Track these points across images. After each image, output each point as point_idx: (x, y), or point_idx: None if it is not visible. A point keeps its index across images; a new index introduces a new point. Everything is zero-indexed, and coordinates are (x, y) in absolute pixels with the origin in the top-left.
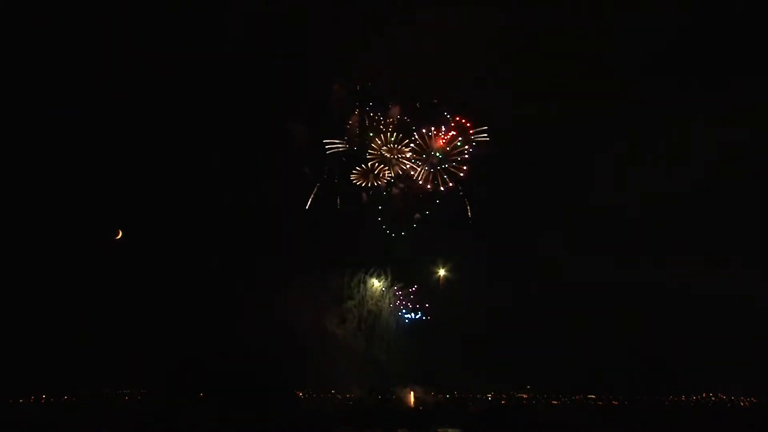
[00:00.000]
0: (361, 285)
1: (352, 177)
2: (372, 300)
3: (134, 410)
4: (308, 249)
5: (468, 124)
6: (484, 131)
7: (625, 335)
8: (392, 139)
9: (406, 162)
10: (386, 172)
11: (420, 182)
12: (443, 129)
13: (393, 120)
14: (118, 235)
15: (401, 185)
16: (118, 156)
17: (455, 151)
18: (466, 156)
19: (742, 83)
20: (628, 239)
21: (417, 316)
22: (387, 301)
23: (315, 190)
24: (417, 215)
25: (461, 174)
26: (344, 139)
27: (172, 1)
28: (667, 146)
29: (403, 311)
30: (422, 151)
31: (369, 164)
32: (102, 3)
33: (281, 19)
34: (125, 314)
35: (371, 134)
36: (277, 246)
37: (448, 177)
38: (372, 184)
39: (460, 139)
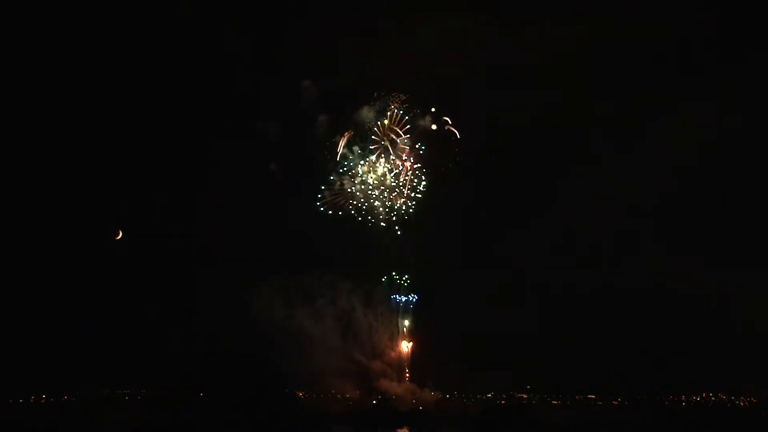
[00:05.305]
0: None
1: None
2: (343, 297)
3: (134, 410)
4: (280, 248)
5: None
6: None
7: (626, 336)
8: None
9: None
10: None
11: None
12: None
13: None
14: (118, 235)
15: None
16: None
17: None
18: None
19: None
20: (627, 240)
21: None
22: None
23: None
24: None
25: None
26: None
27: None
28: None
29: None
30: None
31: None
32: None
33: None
34: (124, 314)
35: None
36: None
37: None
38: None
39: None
